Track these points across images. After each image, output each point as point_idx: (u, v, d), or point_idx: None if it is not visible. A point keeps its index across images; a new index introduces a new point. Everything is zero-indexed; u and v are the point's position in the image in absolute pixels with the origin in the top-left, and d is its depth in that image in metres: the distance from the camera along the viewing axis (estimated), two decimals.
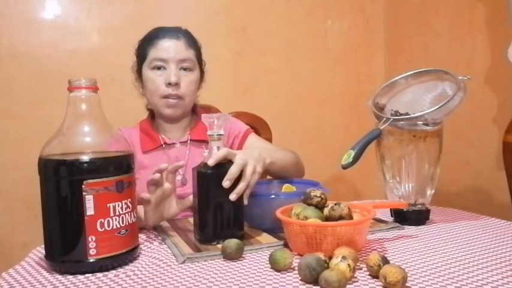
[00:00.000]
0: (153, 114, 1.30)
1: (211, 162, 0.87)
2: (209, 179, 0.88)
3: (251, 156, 0.93)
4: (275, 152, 1.15)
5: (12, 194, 1.65)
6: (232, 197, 0.87)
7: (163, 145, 1.24)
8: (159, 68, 1.19)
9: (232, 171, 0.87)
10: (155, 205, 0.95)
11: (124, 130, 1.25)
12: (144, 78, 1.22)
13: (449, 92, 1.03)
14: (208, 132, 0.91)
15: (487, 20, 1.54)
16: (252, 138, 1.31)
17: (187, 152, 1.25)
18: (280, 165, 1.12)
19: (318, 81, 2.02)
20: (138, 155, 1.21)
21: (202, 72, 1.28)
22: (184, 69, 1.20)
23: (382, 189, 1.11)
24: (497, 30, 1.50)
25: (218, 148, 0.90)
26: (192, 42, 1.24)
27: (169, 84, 1.18)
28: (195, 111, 1.32)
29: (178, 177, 1.22)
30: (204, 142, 1.24)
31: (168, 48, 1.19)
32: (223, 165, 0.89)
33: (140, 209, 0.97)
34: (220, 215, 0.89)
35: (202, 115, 0.92)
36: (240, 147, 1.28)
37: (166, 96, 1.19)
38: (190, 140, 1.26)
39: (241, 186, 0.88)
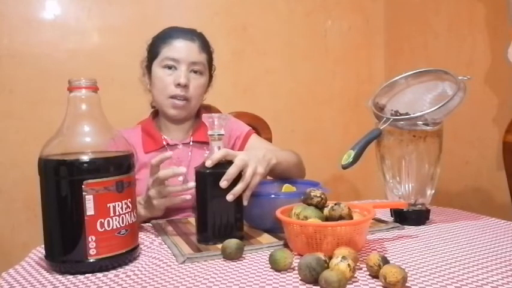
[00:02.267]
0: (155, 114, 1.30)
1: (208, 163, 0.88)
2: (208, 179, 0.88)
3: (253, 157, 0.93)
4: (279, 153, 1.15)
5: (12, 194, 1.65)
6: (229, 197, 0.87)
7: (166, 146, 1.24)
8: (169, 67, 1.19)
9: (230, 171, 0.87)
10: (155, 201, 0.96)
11: (124, 132, 1.25)
12: (153, 75, 1.22)
13: (449, 92, 1.03)
14: (209, 132, 0.91)
15: (487, 20, 1.54)
16: (254, 139, 1.31)
17: (190, 153, 1.25)
18: (285, 166, 1.12)
19: (318, 81, 2.02)
20: (139, 155, 1.21)
21: (210, 77, 1.29)
22: (195, 72, 1.21)
23: (382, 189, 1.11)
24: (497, 30, 1.50)
25: (219, 148, 0.90)
26: (206, 47, 1.25)
27: (178, 85, 1.18)
28: (198, 113, 1.32)
29: (180, 178, 1.22)
30: (206, 144, 1.24)
31: (181, 49, 1.19)
32: (223, 165, 0.89)
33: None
34: (220, 215, 0.89)
35: (203, 115, 0.92)
36: (241, 148, 1.28)
37: (173, 97, 1.19)
38: (193, 141, 1.26)
39: (238, 187, 0.88)
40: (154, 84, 1.22)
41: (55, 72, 1.65)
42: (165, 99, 1.20)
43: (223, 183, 0.86)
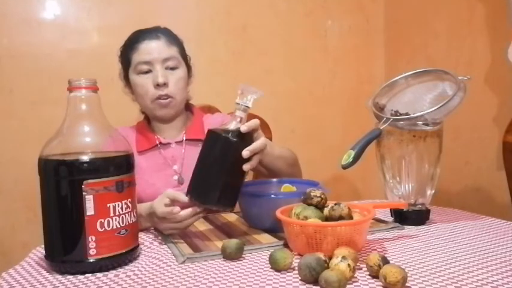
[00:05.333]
0: (148, 117, 1.30)
1: (244, 129, 0.88)
2: (235, 146, 0.88)
3: None
4: (272, 146, 1.16)
5: (12, 194, 1.64)
6: (245, 153, 0.87)
7: (159, 145, 1.24)
8: (144, 71, 1.19)
9: (258, 145, 0.88)
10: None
11: (121, 129, 1.25)
12: (132, 83, 1.22)
13: (449, 92, 1.03)
14: (237, 101, 0.91)
15: (487, 20, 1.54)
16: None
17: (183, 151, 1.25)
18: (270, 158, 1.13)
19: (318, 81, 2.02)
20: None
21: (189, 68, 1.28)
22: (170, 67, 1.20)
23: (382, 189, 1.11)
24: (497, 30, 1.50)
25: (241, 119, 0.90)
26: (173, 39, 1.23)
27: (157, 85, 1.18)
28: (191, 110, 1.32)
29: (175, 177, 1.22)
30: (199, 141, 1.24)
31: (150, 49, 1.19)
32: (246, 135, 0.89)
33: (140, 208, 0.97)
34: (230, 180, 0.90)
35: (240, 84, 0.92)
36: None
37: (157, 98, 1.19)
38: (186, 139, 1.26)
39: (252, 147, 0.88)
40: (136, 91, 1.22)
41: (55, 72, 1.64)
42: (150, 103, 1.21)
43: (246, 153, 0.87)
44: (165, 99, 1.19)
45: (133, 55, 1.20)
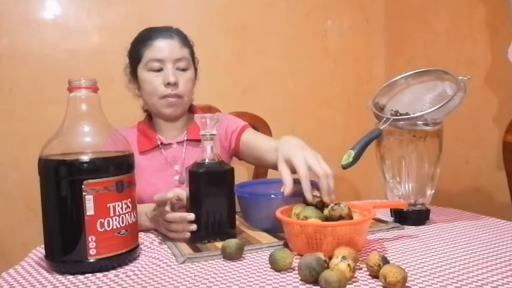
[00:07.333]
0: (150, 115, 1.30)
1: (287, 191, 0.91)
2: (201, 178, 0.90)
3: (309, 156, 0.93)
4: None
5: (12, 194, 1.64)
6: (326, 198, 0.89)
7: (160, 145, 1.25)
8: (155, 68, 1.19)
9: (304, 187, 0.89)
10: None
11: (121, 130, 1.24)
12: (140, 79, 1.22)
13: (449, 92, 1.03)
14: (201, 132, 0.93)
15: (487, 20, 1.54)
16: (249, 132, 1.31)
17: (184, 151, 1.25)
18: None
19: (318, 81, 2.02)
20: (135, 156, 1.21)
21: (195, 70, 1.29)
22: (181, 68, 1.21)
23: (382, 189, 1.11)
24: (497, 30, 1.50)
25: (211, 148, 0.92)
26: (185, 41, 1.25)
27: (167, 84, 1.18)
28: (192, 110, 1.32)
29: (176, 177, 1.22)
30: (200, 141, 1.24)
31: (163, 48, 1.19)
32: (216, 164, 0.91)
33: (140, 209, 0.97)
34: (213, 214, 0.91)
35: (195, 115, 0.94)
36: (237, 142, 1.28)
37: (165, 96, 1.19)
38: (187, 139, 1.26)
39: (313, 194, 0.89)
40: (143, 88, 1.22)
41: (55, 72, 1.64)
42: (157, 101, 1.21)
43: (288, 190, 0.91)
44: (173, 98, 1.20)
45: (145, 51, 1.20)
